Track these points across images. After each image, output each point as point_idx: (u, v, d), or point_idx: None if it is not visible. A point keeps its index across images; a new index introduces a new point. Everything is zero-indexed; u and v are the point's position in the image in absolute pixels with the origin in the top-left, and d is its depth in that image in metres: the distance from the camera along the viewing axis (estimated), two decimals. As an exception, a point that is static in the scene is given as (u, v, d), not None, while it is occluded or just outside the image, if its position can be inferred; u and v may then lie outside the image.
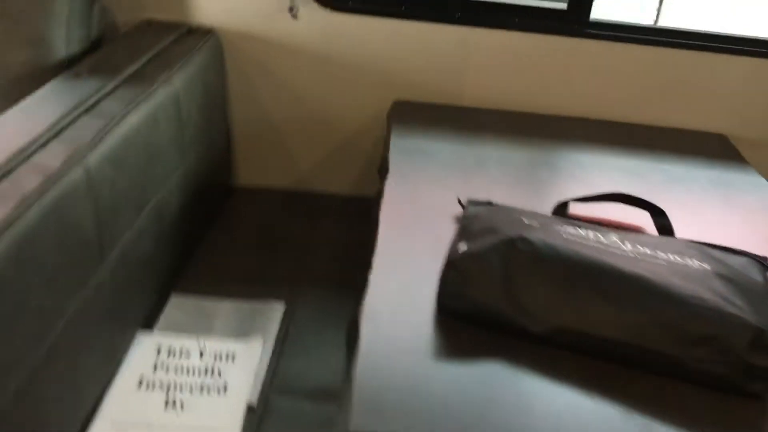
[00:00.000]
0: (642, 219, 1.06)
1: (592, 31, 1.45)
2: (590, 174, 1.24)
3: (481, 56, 1.47)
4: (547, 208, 1.09)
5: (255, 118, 1.58)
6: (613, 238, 0.90)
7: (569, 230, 0.90)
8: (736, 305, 0.78)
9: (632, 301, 0.77)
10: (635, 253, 0.86)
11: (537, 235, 0.84)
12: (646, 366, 0.77)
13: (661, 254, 0.86)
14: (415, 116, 1.41)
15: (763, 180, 1.28)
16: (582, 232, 0.90)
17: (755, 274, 0.89)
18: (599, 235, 0.90)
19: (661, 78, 1.47)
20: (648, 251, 0.87)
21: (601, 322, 0.77)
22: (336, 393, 1.08)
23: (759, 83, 1.47)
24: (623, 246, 0.87)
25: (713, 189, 1.23)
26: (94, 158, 0.93)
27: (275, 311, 1.23)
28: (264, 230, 1.47)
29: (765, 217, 1.15)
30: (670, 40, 1.45)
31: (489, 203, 1.04)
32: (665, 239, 0.94)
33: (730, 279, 0.84)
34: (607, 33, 1.45)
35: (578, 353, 0.78)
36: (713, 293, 0.79)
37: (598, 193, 1.07)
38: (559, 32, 1.45)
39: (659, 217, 1.05)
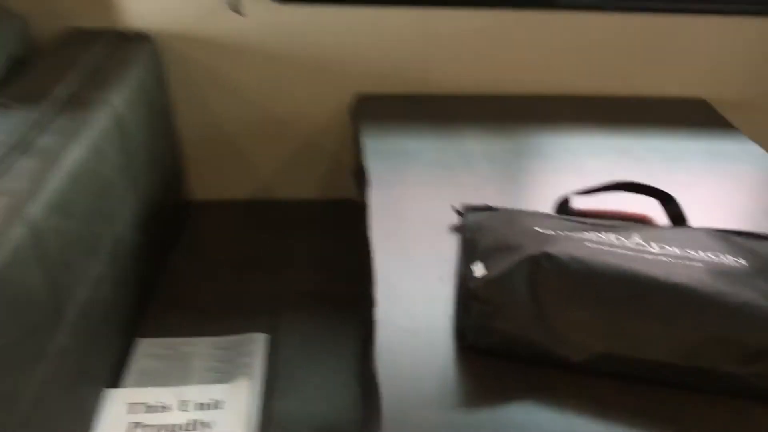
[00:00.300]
0: (647, 205, 0.99)
1: (562, 1, 1.36)
2: (582, 159, 1.15)
3: (444, 38, 1.37)
4: (546, 204, 1.00)
5: (205, 127, 1.44)
6: (637, 239, 0.81)
7: (590, 236, 0.81)
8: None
9: (682, 317, 0.69)
10: (666, 255, 0.77)
11: (561, 249, 0.75)
12: (700, 387, 0.69)
13: (693, 253, 0.78)
14: (382, 110, 1.30)
15: (756, 147, 1.21)
16: (603, 236, 0.81)
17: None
18: (622, 238, 0.81)
19: (636, 45, 1.39)
20: (678, 251, 0.78)
21: (650, 344, 0.68)
22: (342, 430, 0.97)
23: (734, 43, 1.41)
24: (651, 248, 0.79)
25: (711, 163, 1.16)
26: (36, 208, 0.80)
27: (257, 344, 1.12)
28: (230, 249, 1.34)
29: (756, 187, 1.08)
30: (642, 4, 1.37)
31: (488, 208, 0.94)
32: (687, 232, 0.86)
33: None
34: (577, 2, 1.36)
35: (623, 380, 0.70)
36: (763, 296, 0.71)
37: (601, 184, 0.99)
38: (525, 5, 1.35)
39: (670, 204, 0.97)
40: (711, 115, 1.35)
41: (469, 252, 0.83)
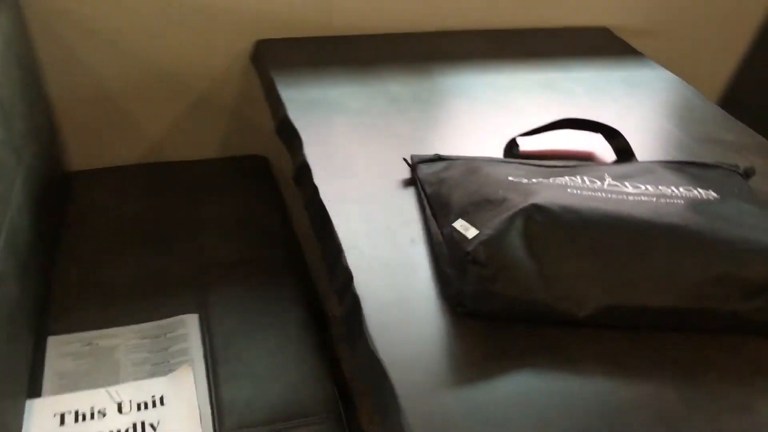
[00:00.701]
0: (590, 140, 0.97)
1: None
2: (510, 96, 1.12)
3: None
4: (492, 148, 0.96)
5: (80, 87, 1.26)
6: (609, 180, 0.79)
7: (565, 181, 0.78)
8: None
9: (684, 259, 0.67)
10: (644, 195, 0.75)
11: (548, 199, 0.71)
12: (703, 328, 0.68)
13: (667, 190, 0.77)
14: (289, 57, 1.19)
15: (669, 73, 1.23)
16: (578, 180, 0.78)
17: (745, 187, 0.84)
18: (595, 180, 0.79)
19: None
20: (651, 189, 0.77)
21: (654, 290, 0.66)
22: (303, 411, 0.91)
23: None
24: (626, 188, 0.77)
25: (632, 91, 1.16)
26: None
27: (190, 326, 1.01)
28: (132, 222, 1.20)
29: (692, 114, 1.10)
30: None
31: (439, 157, 0.89)
32: (647, 167, 0.85)
33: (744, 201, 0.78)
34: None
35: (629, 331, 0.68)
36: (752, 229, 0.71)
37: (546, 123, 0.96)
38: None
39: (615, 138, 0.96)
40: (618, 44, 1.35)
41: (441, 209, 0.78)
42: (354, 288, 0.71)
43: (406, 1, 1.31)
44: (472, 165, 0.84)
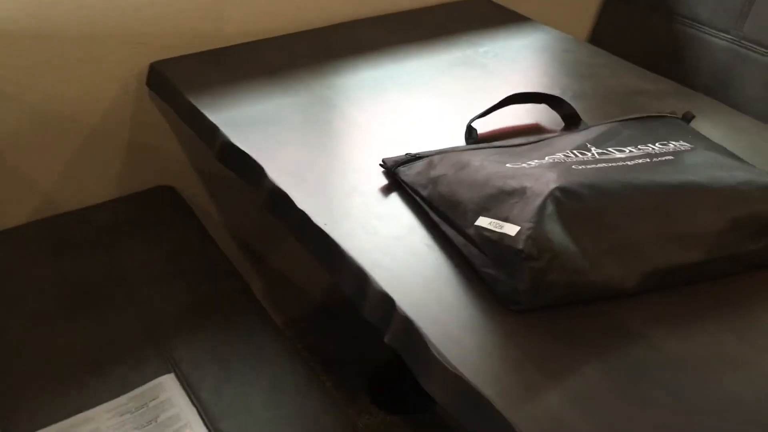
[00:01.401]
0: (527, 114, 1.00)
1: None
2: (436, 80, 1.11)
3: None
4: (449, 136, 0.96)
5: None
6: (595, 149, 0.81)
7: (560, 158, 0.79)
8: (764, 172, 0.77)
9: (704, 213, 0.71)
10: (637, 157, 0.78)
11: (565, 179, 0.71)
12: (726, 272, 0.72)
13: (648, 149, 0.81)
14: (196, 76, 1.10)
15: (565, 35, 1.29)
16: (570, 155, 0.80)
17: (697, 132, 0.89)
18: (585, 153, 0.80)
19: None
20: (636, 151, 0.80)
21: (684, 248, 0.70)
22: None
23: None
24: (616, 154, 0.80)
25: (543, 56, 1.20)
26: None
27: (169, 388, 0.92)
28: (48, 288, 1.06)
29: (604, 71, 1.16)
30: None
31: (414, 157, 0.86)
32: (610, 130, 0.88)
33: (710, 147, 0.83)
34: None
35: (669, 291, 0.70)
36: (740, 170, 0.77)
37: (495, 102, 0.97)
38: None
39: (561, 106, 0.99)
40: (502, 11, 1.39)
41: (451, 209, 0.76)
42: (400, 311, 0.68)
43: (292, 1, 1.25)
44: (456, 159, 0.83)
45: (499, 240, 0.68)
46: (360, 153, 0.92)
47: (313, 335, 1.59)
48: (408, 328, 0.67)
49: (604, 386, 0.61)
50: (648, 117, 0.93)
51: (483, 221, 0.71)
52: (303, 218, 0.81)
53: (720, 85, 1.38)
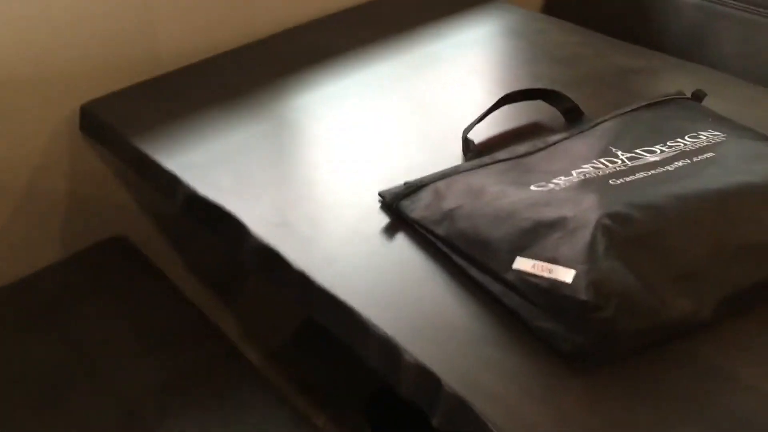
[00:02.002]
0: (520, 113, 0.90)
1: None
2: (414, 86, 0.99)
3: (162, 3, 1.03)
4: (445, 148, 0.85)
5: None
6: (623, 154, 0.71)
7: (589, 171, 0.69)
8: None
9: (764, 218, 0.62)
10: (675, 159, 0.69)
11: (611, 203, 0.61)
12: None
13: (682, 146, 0.71)
14: (138, 115, 0.95)
15: (535, 13, 1.18)
16: (598, 165, 0.70)
17: (716, 114, 0.81)
18: (613, 160, 0.71)
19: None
20: (670, 151, 0.71)
21: (756, 261, 0.61)
22: None
23: None
24: (650, 158, 0.70)
25: (520, 43, 1.09)
26: None
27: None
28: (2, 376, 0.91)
29: (588, 50, 1.06)
30: None
31: (416, 186, 0.75)
32: (627, 124, 0.79)
33: (745, 132, 0.75)
34: None
35: (740, 315, 0.61)
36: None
37: (489, 107, 0.86)
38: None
39: (558, 100, 0.89)
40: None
41: (479, 250, 0.65)
42: (448, 388, 0.57)
43: (232, 11, 1.11)
44: (467, 184, 0.72)
45: (552, 288, 0.58)
46: (348, 184, 0.80)
47: (298, 367, 1.48)
48: (461, 409, 0.56)
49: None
50: (657, 102, 0.84)
51: (524, 263, 0.61)
52: (303, 281, 0.69)
53: (694, 45, 1.31)
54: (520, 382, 0.58)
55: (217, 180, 0.82)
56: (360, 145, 0.87)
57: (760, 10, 1.21)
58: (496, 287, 0.63)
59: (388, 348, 0.62)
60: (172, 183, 0.83)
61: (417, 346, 0.60)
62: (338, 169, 0.83)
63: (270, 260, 0.72)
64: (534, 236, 0.62)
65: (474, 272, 0.65)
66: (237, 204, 0.77)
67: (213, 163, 0.85)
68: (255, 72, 1.03)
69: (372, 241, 0.72)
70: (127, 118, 0.95)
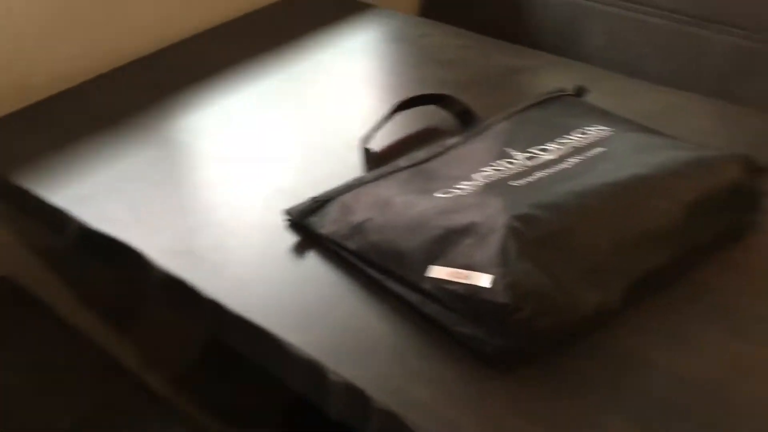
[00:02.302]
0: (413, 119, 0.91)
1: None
2: (302, 99, 0.99)
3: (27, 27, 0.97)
4: (346, 159, 0.84)
5: None
6: (520, 154, 0.74)
7: (491, 174, 0.71)
8: (688, 145, 0.74)
9: (661, 206, 0.65)
10: (571, 155, 0.72)
11: (515, 206, 0.63)
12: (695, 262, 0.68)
13: (574, 141, 0.75)
14: (9, 149, 0.89)
15: (413, 17, 1.20)
16: (503, 167, 0.72)
17: (598, 108, 0.85)
18: (512, 160, 0.73)
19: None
20: (563, 147, 0.74)
21: (655, 250, 0.64)
22: None
23: None
24: (546, 156, 0.73)
25: (402, 45, 1.11)
26: None
27: None
28: None
29: (470, 53, 1.09)
30: None
31: (323, 201, 0.74)
32: (519, 123, 0.81)
33: (629, 126, 0.79)
34: None
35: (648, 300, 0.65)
36: (674, 147, 0.73)
37: (385, 114, 0.87)
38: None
39: (451, 103, 0.90)
40: (337, 1, 1.27)
41: (392, 262, 0.65)
42: (378, 404, 0.57)
43: (109, 29, 1.06)
44: (372, 195, 0.72)
45: (471, 293, 0.59)
46: (251, 204, 0.79)
47: (208, 389, 1.43)
48: (392, 422, 0.56)
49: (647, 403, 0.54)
50: (544, 101, 0.87)
51: (439, 272, 0.62)
52: (216, 309, 0.66)
53: (565, 41, 1.37)
54: (448, 388, 0.58)
55: (111, 212, 0.78)
56: (257, 162, 0.86)
57: (627, 3, 1.29)
58: (414, 297, 0.64)
59: (311, 370, 0.61)
60: (60, 218, 0.79)
61: (341, 365, 0.60)
62: (238, 190, 0.82)
63: (178, 291, 0.69)
64: (446, 244, 0.63)
65: (390, 284, 0.66)
66: (136, 235, 0.74)
67: (104, 194, 0.81)
68: (138, 93, 0.99)
69: (284, 262, 0.71)
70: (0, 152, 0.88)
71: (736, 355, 0.60)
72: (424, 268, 0.63)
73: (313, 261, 0.71)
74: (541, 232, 0.61)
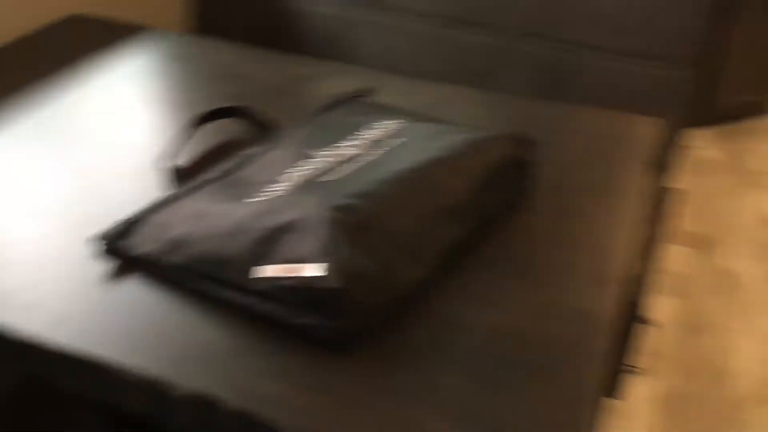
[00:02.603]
0: (221, 132, 0.92)
1: None
2: (90, 131, 0.95)
3: None
4: (144, 186, 0.83)
5: None
6: (325, 151, 0.78)
7: (303, 174, 0.74)
8: (467, 129, 0.83)
9: (453, 186, 0.73)
10: (373, 147, 0.78)
11: (330, 196, 0.67)
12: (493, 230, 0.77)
13: (376, 134, 0.81)
14: None
15: (187, 36, 1.20)
16: (309, 166, 0.75)
17: (390, 107, 0.92)
18: (313, 159, 0.77)
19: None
20: (364, 141, 0.79)
21: (453, 222, 0.72)
22: None
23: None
24: (351, 151, 0.78)
25: (186, 64, 1.10)
26: None
27: None
28: None
29: (251, 69, 1.11)
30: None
31: (137, 220, 0.73)
32: (320, 127, 0.86)
33: (417, 117, 0.86)
34: None
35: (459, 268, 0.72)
36: (456, 132, 0.81)
37: (185, 131, 0.87)
38: None
39: (247, 114, 0.93)
40: (107, 26, 1.23)
41: (221, 269, 0.66)
42: (229, 407, 0.58)
43: None
44: (187, 209, 0.72)
45: (305, 284, 0.62)
46: (62, 237, 0.75)
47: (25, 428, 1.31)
48: (247, 422, 0.58)
49: (467, 389, 0.61)
50: (336, 104, 0.92)
51: (270, 270, 0.64)
52: (33, 348, 0.63)
53: (344, 51, 1.45)
54: (295, 379, 0.61)
55: None
56: (63, 191, 0.82)
57: (390, 12, 1.39)
58: (247, 300, 0.65)
59: (153, 390, 0.60)
60: None
61: (184, 378, 0.60)
62: (37, 224, 0.77)
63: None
64: (271, 243, 0.65)
65: (221, 292, 0.67)
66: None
67: None
68: None
69: (104, 289, 0.69)
70: None
71: (537, 303, 0.69)
72: (254, 270, 0.65)
73: (136, 283, 0.70)
74: (359, 219, 0.66)
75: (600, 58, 1.42)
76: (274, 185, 0.73)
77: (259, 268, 0.65)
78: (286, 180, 0.74)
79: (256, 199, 0.71)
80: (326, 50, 1.44)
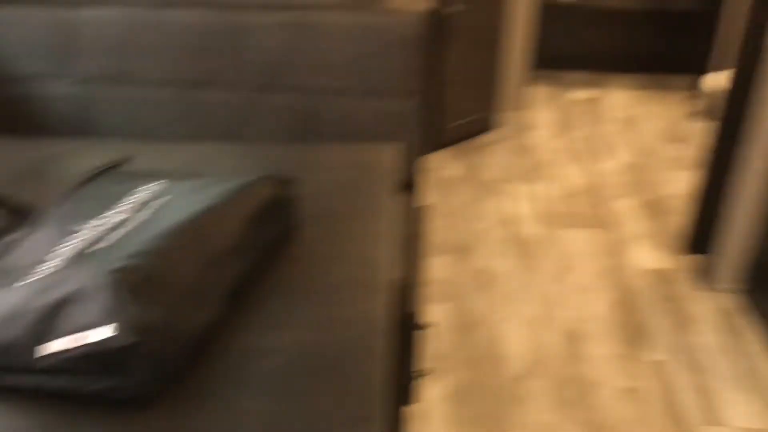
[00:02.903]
0: None
1: None
2: None
3: None
4: None
5: None
6: (93, 224, 0.79)
7: (71, 249, 0.74)
8: (229, 178, 0.88)
9: (221, 232, 0.78)
10: (139, 210, 0.80)
11: (107, 261, 0.69)
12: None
13: (139, 199, 0.83)
14: None
15: None
16: (77, 241, 0.75)
17: (147, 173, 0.94)
18: (82, 233, 0.77)
19: None
20: (131, 206, 0.81)
21: (224, 263, 0.77)
22: None
23: None
24: (119, 217, 0.79)
25: None
26: None
27: None
28: None
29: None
30: None
31: None
32: (81, 202, 0.86)
33: (173, 177, 0.90)
34: None
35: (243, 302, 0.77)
36: (212, 183, 0.86)
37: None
38: None
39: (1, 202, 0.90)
40: None
41: (2, 356, 0.65)
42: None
43: None
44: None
45: (97, 350, 0.63)
46: None
47: None
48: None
49: (273, 407, 0.65)
50: (92, 177, 0.93)
51: (57, 344, 0.64)
52: None
53: (89, 126, 1.43)
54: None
55: None
56: None
57: (122, 82, 1.41)
58: (35, 380, 0.65)
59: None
60: None
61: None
62: None
63: None
64: (53, 319, 0.65)
65: (3, 379, 0.65)
66: None
67: None
68: None
69: None
70: None
71: (324, 317, 0.76)
72: (38, 349, 0.64)
73: None
74: (139, 277, 0.68)
75: (340, 99, 1.56)
76: (44, 264, 0.73)
77: (43, 345, 0.64)
78: (55, 257, 0.74)
79: (30, 281, 0.70)
80: (72, 130, 1.41)
